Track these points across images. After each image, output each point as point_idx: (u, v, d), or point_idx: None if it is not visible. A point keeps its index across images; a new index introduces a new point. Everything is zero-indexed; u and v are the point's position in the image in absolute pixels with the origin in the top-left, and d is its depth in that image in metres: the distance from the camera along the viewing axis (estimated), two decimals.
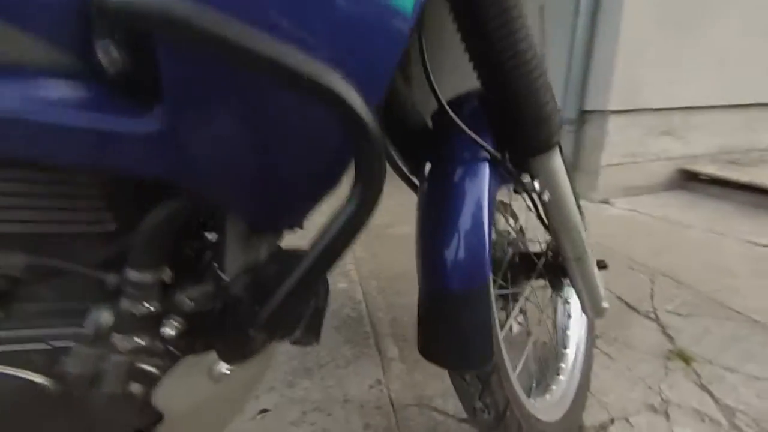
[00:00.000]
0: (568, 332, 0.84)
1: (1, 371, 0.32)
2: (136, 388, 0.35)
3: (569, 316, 0.86)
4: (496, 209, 0.64)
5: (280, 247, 0.40)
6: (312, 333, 0.40)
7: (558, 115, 0.49)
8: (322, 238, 0.32)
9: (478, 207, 0.45)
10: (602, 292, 0.68)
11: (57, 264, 0.31)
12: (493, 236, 0.64)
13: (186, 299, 0.34)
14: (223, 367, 0.37)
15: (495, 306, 0.54)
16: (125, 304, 0.32)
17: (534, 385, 0.73)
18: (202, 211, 0.36)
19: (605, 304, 0.68)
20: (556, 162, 0.53)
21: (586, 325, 0.83)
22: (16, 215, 0.30)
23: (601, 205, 2.11)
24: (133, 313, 0.32)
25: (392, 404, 0.81)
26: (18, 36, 0.24)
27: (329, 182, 0.34)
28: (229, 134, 0.28)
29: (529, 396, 0.63)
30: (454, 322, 0.45)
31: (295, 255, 0.37)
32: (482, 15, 0.41)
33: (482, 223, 0.44)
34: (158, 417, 0.39)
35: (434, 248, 0.46)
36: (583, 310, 0.69)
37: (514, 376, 0.56)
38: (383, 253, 1.52)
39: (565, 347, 0.82)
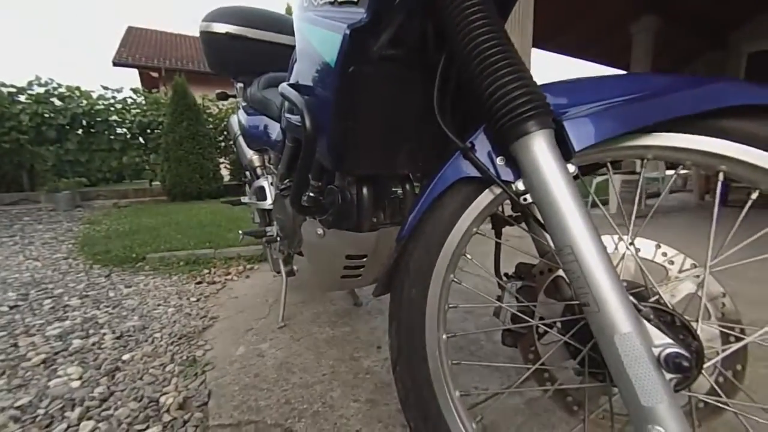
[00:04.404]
0: None
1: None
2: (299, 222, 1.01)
3: None
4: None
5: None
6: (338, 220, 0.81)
7: (540, 102, 0.45)
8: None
9: (434, 181, 0.56)
10: None
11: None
12: None
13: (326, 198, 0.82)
14: (321, 230, 0.87)
15: None
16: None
17: None
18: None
19: None
20: (539, 150, 0.44)
21: None
22: None
23: None
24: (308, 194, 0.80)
25: None
26: None
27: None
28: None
29: None
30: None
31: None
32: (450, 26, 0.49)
33: (427, 188, 0.56)
34: (301, 243, 1.03)
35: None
36: None
37: None
38: None
39: None
